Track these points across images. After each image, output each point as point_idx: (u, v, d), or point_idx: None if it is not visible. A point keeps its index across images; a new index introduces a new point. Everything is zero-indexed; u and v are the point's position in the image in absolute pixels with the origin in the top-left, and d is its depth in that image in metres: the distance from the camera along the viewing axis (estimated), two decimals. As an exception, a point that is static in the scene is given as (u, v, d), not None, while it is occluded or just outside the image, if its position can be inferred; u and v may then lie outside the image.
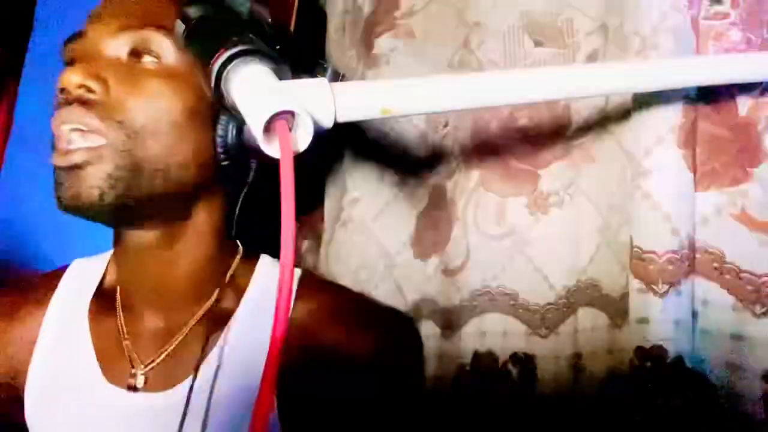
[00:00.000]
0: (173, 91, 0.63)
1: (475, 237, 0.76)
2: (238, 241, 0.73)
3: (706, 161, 0.63)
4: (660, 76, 0.59)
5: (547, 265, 0.73)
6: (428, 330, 0.79)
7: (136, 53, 0.64)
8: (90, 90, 0.62)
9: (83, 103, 0.62)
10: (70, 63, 0.66)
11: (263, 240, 0.73)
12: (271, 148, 0.45)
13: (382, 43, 0.89)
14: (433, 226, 0.82)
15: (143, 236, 0.67)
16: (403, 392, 0.72)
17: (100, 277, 0.75)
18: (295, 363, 0.65)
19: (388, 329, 0.72)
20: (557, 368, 0.70)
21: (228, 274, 0.71)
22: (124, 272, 0.72)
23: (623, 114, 0.68)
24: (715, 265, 0.62)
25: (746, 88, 0.63)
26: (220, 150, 0.65)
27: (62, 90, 0.62)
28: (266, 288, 0.72)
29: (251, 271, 0.73)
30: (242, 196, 0.68)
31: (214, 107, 0.64)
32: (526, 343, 0.72)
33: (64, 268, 0.76)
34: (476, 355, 0.74)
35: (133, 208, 0.63)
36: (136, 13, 0.65)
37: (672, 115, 0.62)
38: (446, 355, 0.76)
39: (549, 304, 0.72)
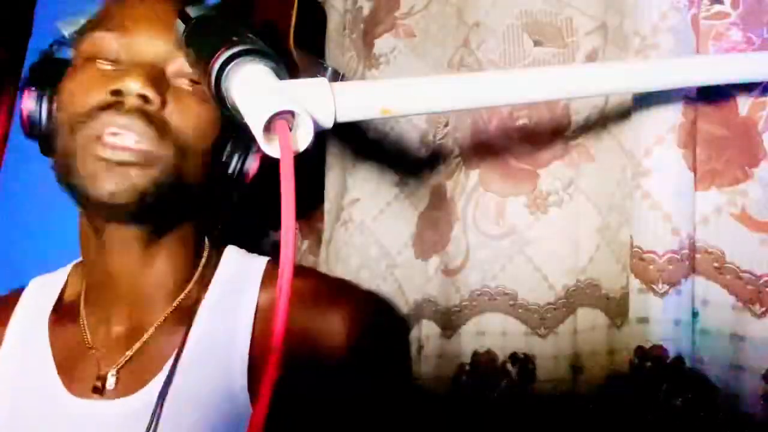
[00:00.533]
0: (209, 115, 0.66)
1: (474, 237, 0.76)
2: (205, 237, 0.74)
3: (706, 161, 0.63)
4: (660, 76, 0.59)
5: (546, 264, 0.73)
6: (429, 330, 0.79)
7: (177, 75, 0.66)
8: (150, 102, 0.63)
9: (141, 113, 0.63)
10: (104, 58, 0.66)
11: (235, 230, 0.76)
12: (271, 148, 0.45)
13: (383, 43, 0.89)
14: (434, 226, 0.82)
15: (130, 233, 0.67)
16: (381, 374, 0.72)
17: (60, 291, 0.75)
18: (264, 352, 0.65)
19: (358, 309, 0.70)
20: (556, 368, 0.70)
21: (197, 271, 0.72)
22: (94, 273, 0.71)
23: (623, 114, 0.68)
24: (716, 264, 0.62)
25: (746, 87, 0.63)
26: (227, 169, 0.70)
27: (116, 92, 0.63)
28: (229, 279, 0.72)
29: (217, 264, 0.74)
30: (231, 205, 0.70)
31: (224, 137, 0.68)
32: (526, 343, 0.72)
33: (22, 289, 0.76)
34: (476, 355, 0.74)
35: (158, 212, 0.66)
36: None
37: (672, 115, 0.62)
38: (446, 355, 0.76)
39: (548, 303, 0.72)
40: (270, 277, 0.71)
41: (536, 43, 0.76)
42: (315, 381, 0.66)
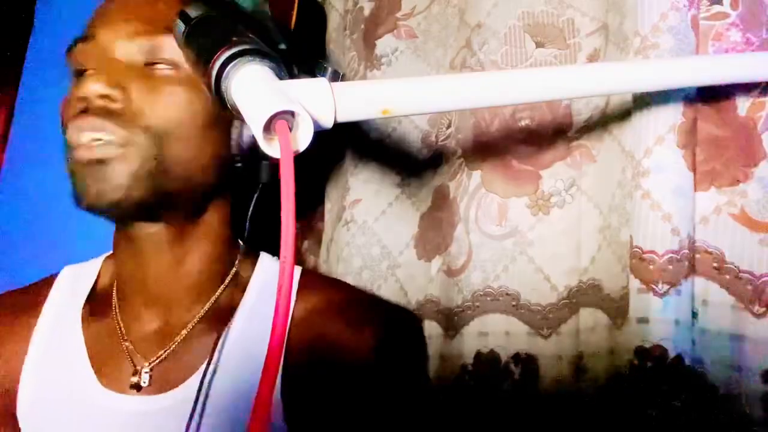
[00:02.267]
0: (194, 98, 0.64)
1: (476, 237, 0.76)
2: (239, 239, 0.73)
3: (706, 161, 0.63)
4: (660, 76, 0.59)
5: (548, 265, 0.73)
6: (431, 330, 0.79)
7: (152, 61, 0.65)
8: (112, 99, 0.63)
9: (106, 112, 0.62)
10: (80, 69, 0.66)
11: (262, 238, 0.73)
12: (271, 148, 0.45)
13: (384, 44, 0.89)
14: (436, 226, 0.82)
15: (155, 231, 0.67)
16: (405, 388, 0.72)
17: (93, 282, 0.75)
18: (298, 361, 0.65)
19: (388, 325, 0.71)
20: (559, 368, 0.70)
21: (231, 272, 0.71)
22: (125, 271, 0.71)
23: (623, 114, 0.68)
24: (715, 264, 0.62)
25: (745, 88, 0.63)
26: (234, 152, 0.67)
27: (82, 99, 0.63)
28: (266, 284, 0.72)
29: (252, 268, 0.73)
30: (255, 198, 0.68)
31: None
32: (528, 344, 0.72)
33: (54, 276, 0.76)
34: (478, 356, 0.74)
35: (154, 205, 0.65)
36: (147, 17, 0.65)
37: (672, 115, 0.62)
38: (449, 356, 0.76)
39: (551, 304, 0.72)
40: (305, 286, 0.71)
41: (538, 45, 0.76)
42: (340, 392, 0.66)
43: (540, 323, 0.72)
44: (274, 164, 0.65)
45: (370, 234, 0.87)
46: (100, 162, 0.62)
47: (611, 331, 0.65)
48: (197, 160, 0.66)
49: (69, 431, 0.66)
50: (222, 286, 0.70)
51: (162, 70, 0.65)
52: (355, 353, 0.68)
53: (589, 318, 0.68)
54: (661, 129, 0.62)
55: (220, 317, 0.69)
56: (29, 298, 0.74)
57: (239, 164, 0.68)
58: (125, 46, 0.65)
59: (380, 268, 0.86)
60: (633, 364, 0.60)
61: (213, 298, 0.70)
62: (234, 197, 0.72)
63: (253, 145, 0.66)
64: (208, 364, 0.65)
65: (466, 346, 0.75)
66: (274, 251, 0.75)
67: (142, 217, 0.66)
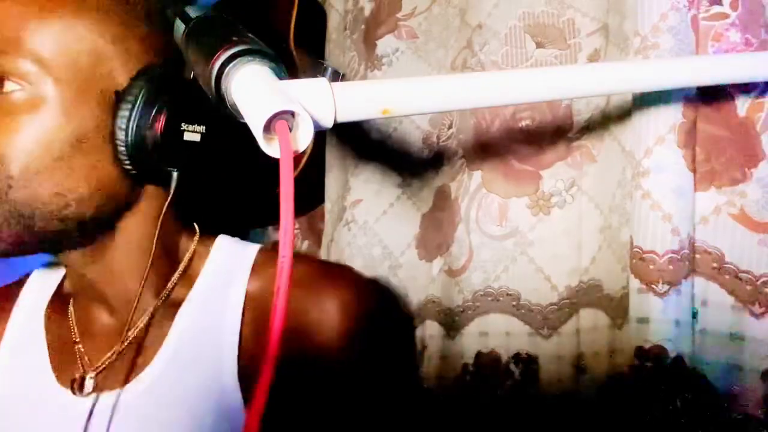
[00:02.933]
0: (47, 124, 0.57)
1: (477, 238, 0.76)
2: (195, 225, 0.71)
3: (706, 161, 0.63)
4: (660, 76, 0.59)
5: (549, 265, 0.73)
6: (432, 330, 0.79)
7: None
8: None
9: None
10: None
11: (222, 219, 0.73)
12: (271, 148, 0.45)
13: (385, 44, 0.89)
14: (438, 227, 0.82)
15: (71, 255, 0.65)
16: (381, 361, 0.69)
17: (58, 283, 0.74)
18: (253, 341, 0.64)
19: (352, 290, 0.67)
20: (559, 368, 0.70)
21: (183, 263, 0.69)
22: (69, 277, 0.71)
23: (623, 114, 0.68)
24: (714, 265, 0.62)
25: (745, 88, 0.63)
26: (127, 166, 0.60)
27: None
28: (219, 269, 0.69)
29: (207, 254, 0.70)
30: (164, 209, 0.64)
31: (106, 122, 0.59)
32: (529, 344, 0.72)
33: (26, 276, 0.76)
34: (479, 356, 0.74)
35: (42, 245, 0.61)
36: None
37: (672, 115, 0.62)
38: (449, 356, 0.77)
39: (551, 304, 0.72)
40: (261, 264, 0.68)
41: (538, 45, 0.76)
42: (311, 370, 0.64)
43: (540, 323, 0.72)
44: (183, 171, 0.62)
45: (372, 234, 0.87)
46: None
47: (611, 331, 0.65)
48: (72, 193, 0.59)
49: (27, 426, 0.66)
50: (172, 281, 0.68)
51: (9, 94, 0.57)
52: (319, 324, 0.65)
53: (590, 318, 0.68)
54: (661, 129, 0.62)
55: (173, 312, 0.67)
56: (1, 300, 0.74)
57: (137, 173, 0.61)
58: None
59: (382, 269, 0.86)
60: (633, 364, 0.60)
61: (164, 294, 0.67)
62: (165, 188, 0.65)
63: (148, 146, 0.59)
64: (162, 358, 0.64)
65: (466, 346, 0.75)
66: (234, 232, 0.74)
67: (44, 251, 0.63)
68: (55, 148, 0.58)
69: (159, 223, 0.64)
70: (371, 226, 0.87)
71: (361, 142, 0.90)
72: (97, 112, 0.59)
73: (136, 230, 0.65)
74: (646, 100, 0.63)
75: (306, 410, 0.63)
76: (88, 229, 0.62)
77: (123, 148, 0.59)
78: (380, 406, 0.68)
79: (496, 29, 0.78)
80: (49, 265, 0.77)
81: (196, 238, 0.71)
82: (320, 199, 0.99)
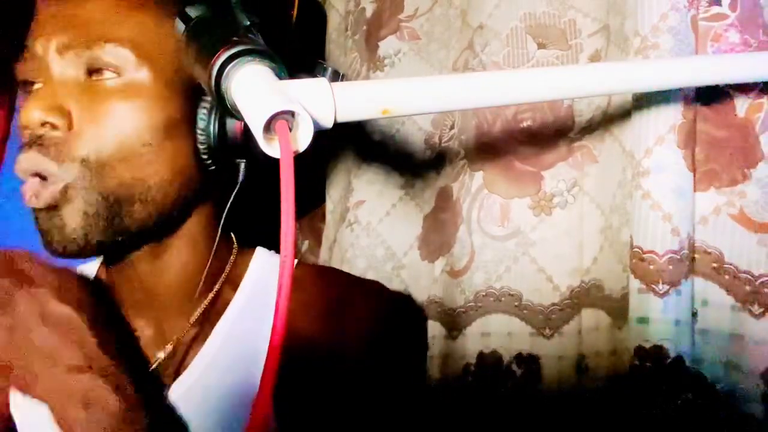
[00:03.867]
0: (140, 110, 0.60)
1: (479, 238, 0.76)
2: (233, 236, 0.72)
3: (705, 162, 0.63)
4: (660, 76, 0.59)
5: (551, 265, 0.73)
6: (435, 331, 0.79)
7: (93, 71, 0.60)
8: (54, 126, 0.58)
9: (41, 145, 0.58)
10: (24, 86, 0.62)
11: (260, 233, 0.72)
12: (271, 148, 0.45)
13: (387, 45, 0.89)
14: (440, 228, 0.82)
15: (135, 256, 0.65)
16: (401, 376, 0.71)
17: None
18: (288, 355, 0.65)
19: (378, 307, 0.70)
20: (561, 369, 0.70)
21: (224, 273, 0.70)
22: (113, 280, 0.69)
23: (624, 114, 0.68)
24: (714, 265, 0.62)
25: (744, 89, 0.63)
26: (204, 156, 0.63)
27: (24, 128, 0.59)
28: (260, 280, 0.70)
29: (246, 265, 0.72)
30: (233, 197, 0.65)
31: (189, 112, 0.62)
32: (531, 344, 0.72)
33: None
34: (481, 356, 0.74)
35: (121, 243, 0.62)
36: (81, 23, 0.60)
37: (672, 115, 0.62)
38: (452, 356, 0.77)
39: (553, 304, 0.72)
40: (299, 278, 0.69)
41: (540, 46, 0.76)
42: (334, 380, 0.65)
43: (542, 323, 0.72)
44: (251, 162, 0.64)
45: (375, 235, 0.87)
46: (52, 207, 0.59)
47: (613, 331, 0.65)
48: (153, 179, 0.61)
49: None
50: (216, 288, 0.68)
51: (105, 81, 0.59)
52: (346, 342, 0.66)
53: (591, 318, 0.68)
54: (661, 129, 0.62)
55: (213, 320, 0.68)
56: None
57: (213, 167, 0.63)
58: (61, 59, 0.60)
59: (385, 269, 0.86)
60: (633, 364, 0.60)
61: (206, 301, 0.68)
62: (218, 198, 0.68)
63: (225, 144, 0.62)
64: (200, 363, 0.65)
65: (468, 347, 0.75)
66: (271, 246, 0.75)
67: (120, 252, 0.64)
68: (144, 133, 0.60)
69: (223, 218, 0.65)
70: (374, 227, 0.87)
71: (363, 143, 0.90)
72: (183, 102, 0.62)
73: (196, 229, 0.67)
74: (646, 101, 0.63)
75: (325, 411, 0.64)
76: (163, 220, 0.64)
77: (203, 138, 0.62)
78: (393, 406, 0.69)
79: (498, 30, 0.78)
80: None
81: (236, 248, 0.72)
82: (320, 199, 0.99)
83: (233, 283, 0.70)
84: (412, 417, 0.73)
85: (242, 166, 0.64)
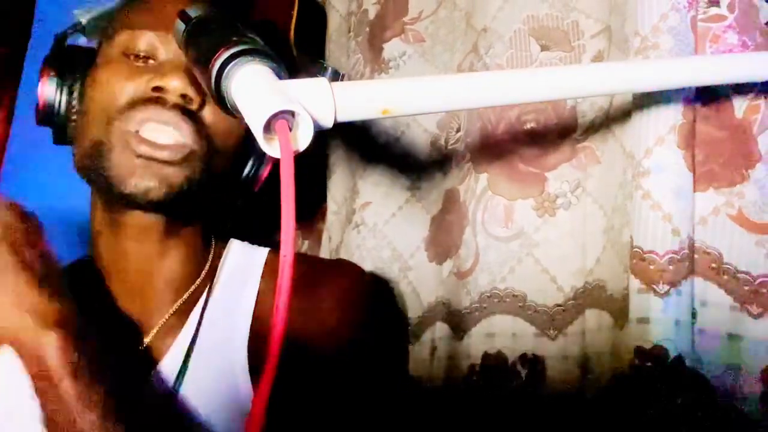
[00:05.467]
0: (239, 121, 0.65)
1: (483, 240, 0.76)
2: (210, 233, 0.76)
3: (704, 162, 0.63)
4: (660, 76, 0.59)
5: (554, 266, 0.73)
6: (442, 332, 0.80)
7: None
8: (189, 100, 0.65)
9: (182, 110, 0.64)
10: (135, 58, 0.67)
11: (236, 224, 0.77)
12: (271, 148, 0.45)
13: (392, 47, 0.90)
14: (447, 230, 0.83)
15: (152, 222, 0.68)
16: (377, 351, 0.73)
17: None
18: (265, 339, 0.65)
19: (347, 283, 0.72)
20: (566, 369, 0.70)
21: (206, 267, 0.73)
22: (105, 260, 0.71)
23: (625, 115, 0.68)
24: (713, 265, 0.62)
25: (742, 90, 0.63)
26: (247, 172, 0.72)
27: (158, 89, 0.64)
28: (233, 271, 0.73)
29: (221, 256, 0.75)
30: (236, 207, 0.71)
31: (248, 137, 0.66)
32: (535, 345, 0.73)
33: None
34: (486, 356, 0.74)
35: (183, 205, 0.67)
36: None
37: (672, 116, 0.62)
38: (457, 356, 0.77)
39: (557, 305, 0.72)
40: (271, 265, 0.73)
41: (543, 48, 0.76)
42: (312, 365, 0.66)
43: (546, 324, 0.72)
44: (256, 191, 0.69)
45: (381, 237, 0.88)
46: (165, 162, 0.63)
47: (615, 331, 0.65)
48: (224, 176, 0.69)
49: None
50: (198, 280, 0.71)
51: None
52: (319, 320, 0.68)
53: (594, 319, 0.68)
54: (661, 129, 0.62)
55: (191, 309, 0.70)
56: None
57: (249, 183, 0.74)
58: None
59: (392, 271, 0.87)
60: (633, 364, 0.60)
61: (188, 293, 0.71)
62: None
63: (252, 176, 0.72)
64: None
65: (473, 347, 0.75)
66: (242, 237, 0.78)
67: (157, 210, 0.67)
68: (237, 137, 0.69)
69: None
70: (380, 229, 0.88)
71: (369, 145, 0.90)
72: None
73: (193, 234, 0.72)
74: (646, 101, 0.63)
75: (306, 401, 0.65)
76: (203, 199, 0.69)
77: (248, 168, 0.73)
78: (373, 396, 0.70)
79: (501, 33, 0.78)
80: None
81: (213, 241, 0.75)
82: (320, 200, 0.99)
83: (212, 277, 0.73)
84: (417, 416, 0.74)
85: (241, 199, 0.71)
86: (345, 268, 0.76)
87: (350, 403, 0.67)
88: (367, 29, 0.92)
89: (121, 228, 0.68)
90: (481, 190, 0.77)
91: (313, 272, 0.72)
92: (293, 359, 0.64)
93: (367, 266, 0.86)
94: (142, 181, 0.63)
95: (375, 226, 0.88)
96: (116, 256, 0.70)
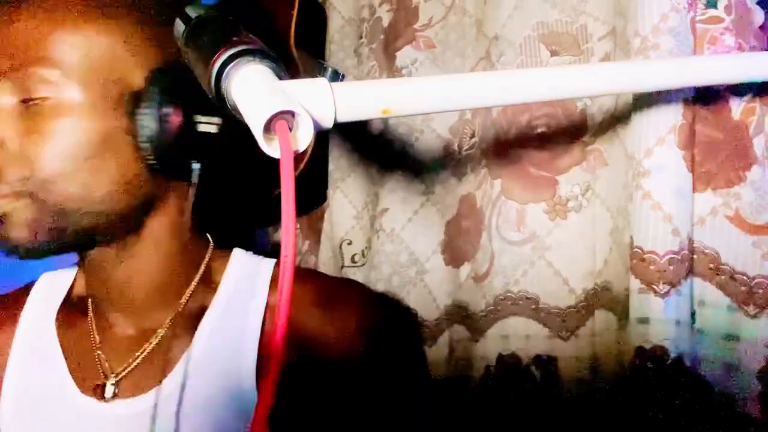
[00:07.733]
0: (76, 127, 0.61)
1: (498, 243, 0.77)
2: (209, 237, 0.74)
3: (702, 163, 0.64)
4: (660, 76, 0.59)
5: (566, 269, 0.74)
6: (459, 334, 0.81)
7: (28, 97, 0.61)
8: (2, 145, 0.60)
9: None
10: None
11: (237, 234, 0.75)
12: (271, 148, 0.45)
13: (404, 55, 0.90)
14: (465, 234, 0.83)
15: (97, 252, 0.67)
16: (394, 372, 0.72)
17: (68, 288, 0.75)
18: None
19: (366, 308, 0.71)
20: (578, 369, 0.71)
21: (199, 272, 0.71)
22: (91, 282, 0.71)
23: (628, 116, 0.68)
24: (711, 266, 0.62)
25: (739, 91, 0.63)
26: (150, 161, 0.63)
27: None
28: (239, 282, 0.71)
29: (224, 266, 0.72)
30: (191, 198, 0.66)
31: (129, 121, 0.62)
32: (548, 346, 0.73)
33: (32, 284, 0.76)
34: (500, 358, 0.75)
35: (74, 243, 0.64)
36: (7, 50, 0.61)
37: (672, 116, 0.62)
38: (473, 358, 0.78)
39: (569, 307, 0.73)
40: (278, 279, 0.70)
41: (553, 53, 0.77)
42: (328, 384, 0.66)
43: (559, 326, 0.73)
44: (203, 163, 0.65)
45: (398, 241, 0.89)
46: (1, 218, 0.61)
47: (619, 331, 0.66)
48: (98, 191, 0.62)
49: None
50: (189, 289, 0.70)
51: (38, 103, 0.61)
52: (334, 339, 0.68)
53: (602, 319, 0.69)
54: (661, 130, 0.62)
55: (193, 320, 0.69)
56: (7, 308, 0.74)
57: (161, 170, 0.64)
58: (7, 82, 0.60)
59: (409, 274, 0.88)
60: (634, 364, 0.60)
61: (182, 302, 0.69)
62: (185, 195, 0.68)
63: (171, 141, 0.62)
64: (185, 366, 0.65)
65: (489, 349, 0.76)
66: (246, 246, 0.76)
67: (72, 250, 0.66)
68: (84, 148, 0.61)
69: (185, 216, 0.67)
70: (398, 233, 0.89)
71: (384, 151, 0.91)
72: (118, 113, 0.62)
73: (160, 229, 0.68)
74: (646, 102, 0.63)
75: (321, 416, 0.66)
76: (118, 225, 0.65)
77: (145, 145, 0.62)
78: (393, 414, 0.69)
79: (512, 40, 0.79)
80: (56, 271, 0.77)
81: (211, 248, 0.73)
82: (321, 199, 0.99)
83: (210, 283, 0.71)
84: (434, 416, 0.74)
85: (196, 166, 0.65)
86: (358, 290, 0.75)
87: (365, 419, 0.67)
88: (381, 36, 0.93)
89: (83, 257, 0.69)
90: (495, 195, 0.78)
91: (327, 290, 0.71)
92: (307, 369, 0.65)
93: (385, 270, 0.88)
94: (4, 240, 0.61)
95: (393, 231, 0.89)
96: (96, 279, 0.69)
